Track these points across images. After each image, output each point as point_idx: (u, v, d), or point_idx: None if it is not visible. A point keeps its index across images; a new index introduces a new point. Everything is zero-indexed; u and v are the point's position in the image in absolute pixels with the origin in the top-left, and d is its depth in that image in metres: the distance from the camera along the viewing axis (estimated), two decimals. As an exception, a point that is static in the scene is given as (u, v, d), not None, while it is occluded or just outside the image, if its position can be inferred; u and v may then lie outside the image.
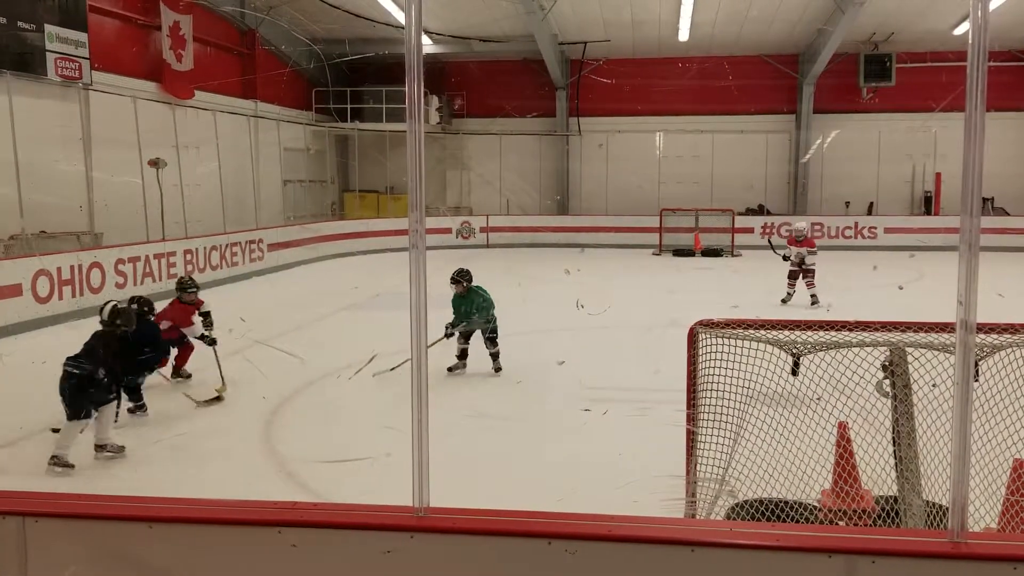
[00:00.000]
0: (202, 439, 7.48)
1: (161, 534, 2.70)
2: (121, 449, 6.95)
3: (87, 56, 15.71)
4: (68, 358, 6.80)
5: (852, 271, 19.39)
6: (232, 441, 7.43)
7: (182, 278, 9.68)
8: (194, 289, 9.31)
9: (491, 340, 9.53)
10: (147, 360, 7.59)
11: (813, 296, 13.78)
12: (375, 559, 2.58)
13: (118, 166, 16.33)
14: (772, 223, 25.29)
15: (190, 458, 7.01)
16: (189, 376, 9.24)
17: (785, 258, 13.98)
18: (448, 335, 9.42)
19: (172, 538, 2.71)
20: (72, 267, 13.19)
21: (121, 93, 16.56)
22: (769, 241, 13.90)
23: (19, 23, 14.33)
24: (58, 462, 6.62)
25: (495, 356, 9.56)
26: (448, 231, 25.20)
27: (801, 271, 13.87)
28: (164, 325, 8.40)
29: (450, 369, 9.55)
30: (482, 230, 25.84)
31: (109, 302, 7.57)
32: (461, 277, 9.57)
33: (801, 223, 14.49)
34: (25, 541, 2.74)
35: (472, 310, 9.40)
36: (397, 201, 25.80)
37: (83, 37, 15.62)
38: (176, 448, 7.22)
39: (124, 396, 7.42)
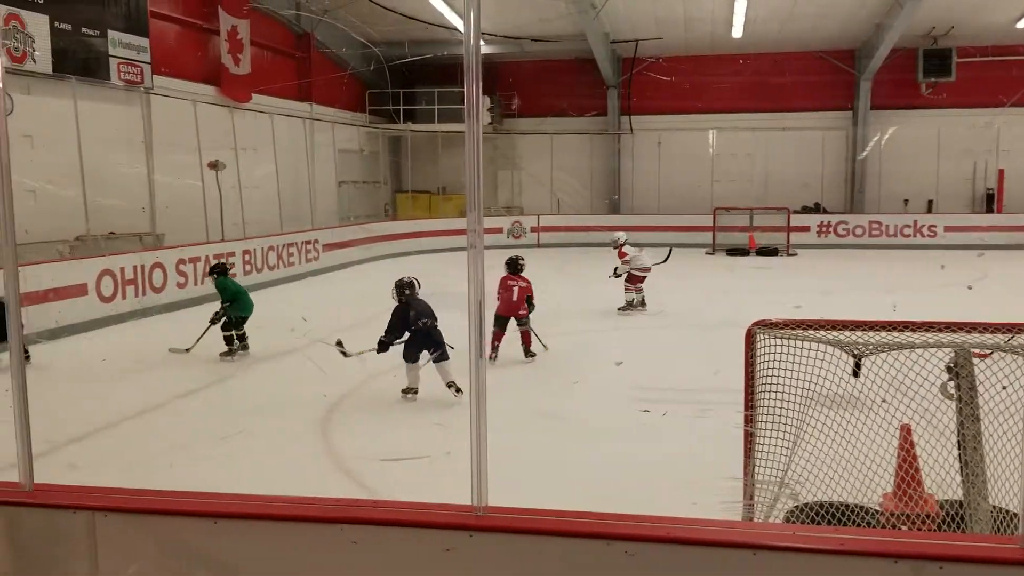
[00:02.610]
0: (261, 436, 7.60)
1: (226, 529, 2.75)
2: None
3: (149, 61, 16.07)
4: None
5: (915, 270, 19.00)
6: (291, 438, 7.54)
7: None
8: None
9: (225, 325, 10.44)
10: None
11: (628, 304, 13.35)
12: (435, 557, 2.61)
13: (179, 169, 16.64)
14: (829, 221, 24.90)
15: (250, 455, 7.12)
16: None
17: (617, 274, 13.44)
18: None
19: (237, 533, 2.76)
20: (135, 267, 13.49)
21: (181, 97, 16.88)
22: (616, 270, 13.47)
23: (83, 29, 14.71)
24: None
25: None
26: (500, 231, 25.21)
27: (633, 277, 13.37)
28: None
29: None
30: (533, 230, 25.82)
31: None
32: (212, 270, 10.88)
33: (616, 234, 13.99)
34: (95, 535, 2.82)
35: (228, 298, 10.43)
36: (449, 201, 25.90)
37: (145, 42, 15.99)
38: (237, 445, 7.35)
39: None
